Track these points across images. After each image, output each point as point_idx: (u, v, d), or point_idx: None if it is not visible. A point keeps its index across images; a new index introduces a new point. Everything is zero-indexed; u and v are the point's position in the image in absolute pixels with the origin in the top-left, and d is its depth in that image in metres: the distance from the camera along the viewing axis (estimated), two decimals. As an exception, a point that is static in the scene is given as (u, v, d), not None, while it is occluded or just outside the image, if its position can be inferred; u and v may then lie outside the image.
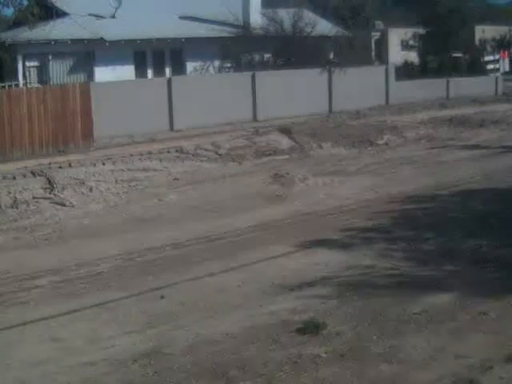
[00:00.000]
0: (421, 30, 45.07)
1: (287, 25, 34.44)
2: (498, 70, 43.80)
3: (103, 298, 10.79)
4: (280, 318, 9.65)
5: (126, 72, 31.81)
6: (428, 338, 8.88)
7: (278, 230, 14.57)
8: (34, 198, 17.47)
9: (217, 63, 34.27)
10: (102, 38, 31.15)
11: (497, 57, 45.63)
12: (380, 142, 25.57)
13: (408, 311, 9.77)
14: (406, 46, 46.32)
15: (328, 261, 12.15)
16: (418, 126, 27.95)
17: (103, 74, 30.79)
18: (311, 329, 9.01)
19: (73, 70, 31.36)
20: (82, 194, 18.00)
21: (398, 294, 10.39)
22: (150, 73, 33.74)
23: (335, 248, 12.94)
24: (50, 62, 30.77)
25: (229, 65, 34.19)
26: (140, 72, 33.10)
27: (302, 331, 9.06)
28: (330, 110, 30.77)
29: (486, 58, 45.21)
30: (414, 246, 12.95)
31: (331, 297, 10.36)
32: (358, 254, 12.47)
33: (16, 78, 29.75)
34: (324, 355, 8.41)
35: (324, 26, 36.34)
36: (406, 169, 21.12)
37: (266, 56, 34.60)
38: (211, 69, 34.12)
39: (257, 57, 34.23)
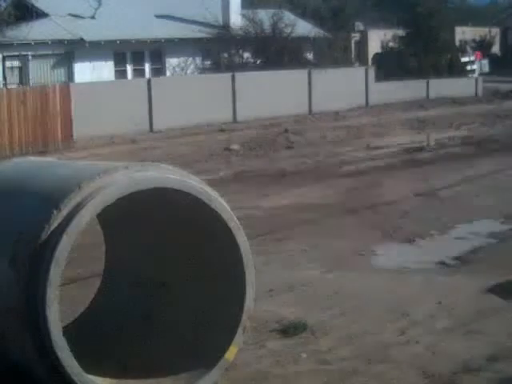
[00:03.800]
0: (401, 32, 45.13)
1: (267, 26, 34.57)
2: (474, 71, 43.96)
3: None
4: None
5: (106, 72, 31.85)
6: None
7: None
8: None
9: (197, 63, 34.34)
10: (81, 39, 31.16)
11: (472, 58, 45.82)
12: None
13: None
14: (385, 47, 46.38)
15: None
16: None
17: (83, 74, 30.80)
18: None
19: (53, 71, 31.31)
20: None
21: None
22: (129, 73, 33.78)
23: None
24: (30, 63, 30.68)
25: (208, 65, 34.26)
26: (120, 72, 33.13)
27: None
28: (310, 111, 30.87)
29: (463, 60, 45.26)
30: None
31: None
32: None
33: (-4, 78, 29.68)
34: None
35: (304, 27, 36.50)
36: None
37: (246, 56, 34.70)
38: (192, 68, 34.16)
39: (236, 57, 34.33)
